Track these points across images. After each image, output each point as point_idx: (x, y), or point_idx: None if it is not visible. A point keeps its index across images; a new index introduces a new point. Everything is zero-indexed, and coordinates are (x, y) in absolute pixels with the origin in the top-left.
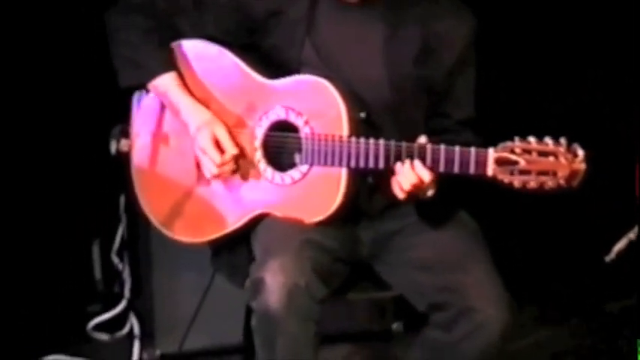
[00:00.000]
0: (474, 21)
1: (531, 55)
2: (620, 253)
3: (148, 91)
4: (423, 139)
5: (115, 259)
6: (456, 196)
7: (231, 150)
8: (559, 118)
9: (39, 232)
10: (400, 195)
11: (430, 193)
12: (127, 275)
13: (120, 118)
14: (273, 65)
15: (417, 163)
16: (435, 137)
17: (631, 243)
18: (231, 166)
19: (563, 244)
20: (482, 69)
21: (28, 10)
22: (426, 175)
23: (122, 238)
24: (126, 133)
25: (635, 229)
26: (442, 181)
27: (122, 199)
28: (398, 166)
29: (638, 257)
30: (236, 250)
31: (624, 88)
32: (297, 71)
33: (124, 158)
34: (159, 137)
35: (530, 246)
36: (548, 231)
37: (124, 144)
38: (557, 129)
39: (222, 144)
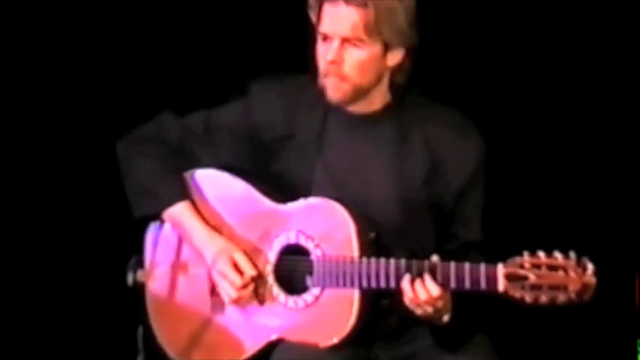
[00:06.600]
0: (481, 141)
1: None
2: None
3: (162, 220)
4: (434, 258)
5: None
6: (473, 319)
7: (250, 271)
8: (554, 229)
9: None
10: (414, 312)
11: (446, 318)
12: None
13: (134, 249)
14: (283, 187)
15: (427, 277)
16: (444, 257)
17: None
18: (250, 289)
19: None
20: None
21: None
22: (435, 290)
23: None
24: (141, 264)
25: None
26: (459, 304)
27: (140, 331)
28: (406, 285)
29: None
30: None
31: (625, 195)
32: (308, 190)
33: (141, 289)
34: (173, 266)
35: None
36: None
37: (140, 275)
38: (551, 241)
39: (241, 267)
